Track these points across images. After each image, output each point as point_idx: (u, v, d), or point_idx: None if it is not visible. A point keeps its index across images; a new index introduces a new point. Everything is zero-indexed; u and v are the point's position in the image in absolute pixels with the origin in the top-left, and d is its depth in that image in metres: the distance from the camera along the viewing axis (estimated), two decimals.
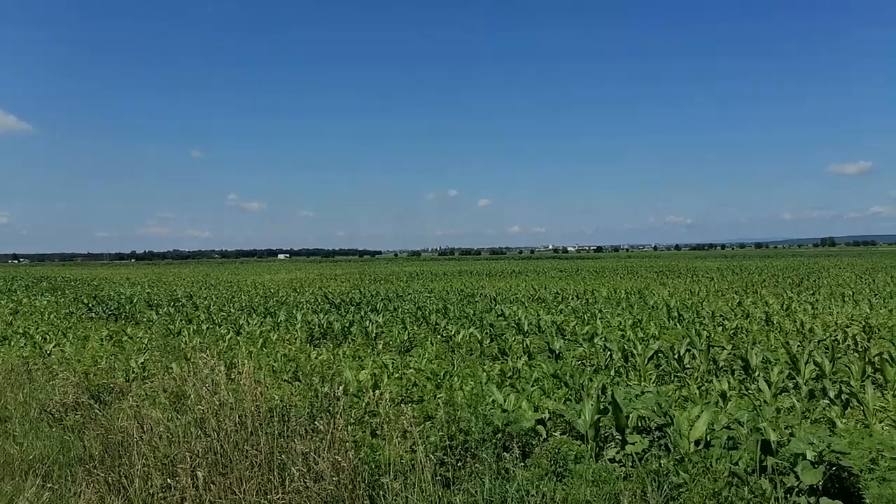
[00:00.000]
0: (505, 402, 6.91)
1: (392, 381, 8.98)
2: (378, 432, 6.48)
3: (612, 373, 10.03)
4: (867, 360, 9.74)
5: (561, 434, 6.55)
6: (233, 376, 6.99)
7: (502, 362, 11.21)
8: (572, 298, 24.99)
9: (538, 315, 18.16)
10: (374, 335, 14.53)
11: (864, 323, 15.22)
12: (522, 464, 5.28)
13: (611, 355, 11.18)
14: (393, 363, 10.46)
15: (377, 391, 7.83)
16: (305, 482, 4.50)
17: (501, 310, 20.00)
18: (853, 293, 24.42)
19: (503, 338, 13.95)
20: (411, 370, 10.00)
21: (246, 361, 7.21)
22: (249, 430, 5.52)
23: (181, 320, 18.33)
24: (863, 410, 7.47)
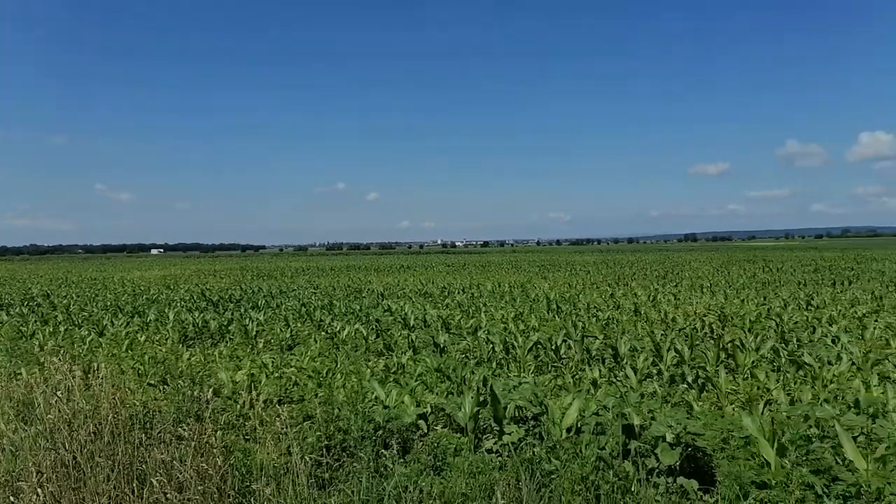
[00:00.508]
0: (387, 397, 6.85)
1: (271, 381, 8.64)
2: (252, 436, 6.20)
3: (494, 365, 10.27)
4: (721, 346, 10.65)
5: (443, 428, 6.59)
6: (90, 382, 6.43)
7: (387, 358, 11.15)
8: (458, 293, 25.40)
9: (425, 310, 18.28)
10: (254, 333, 13.95)
11: (719, 312, 16.65)
12: (402, 460, 5.25)
13: (493, 348, 11.44)
14: (273, 362, 10.08)
15: (254, 392, 7.50)
16: (166, 493, 4.19)
17: (388, 305, 19.93)
18: (711, 285, 26.70)
19: (389, 333, 13.88)
20: (292, 369, 9.68)
21: (104, 365, 6.64)
22: (106, 439, 5.08)
23: (35, 321, 16.65)
24: (717, 393, 8.14)
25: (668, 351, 10.03)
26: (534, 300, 21.42)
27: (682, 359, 9.89)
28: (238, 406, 7.10)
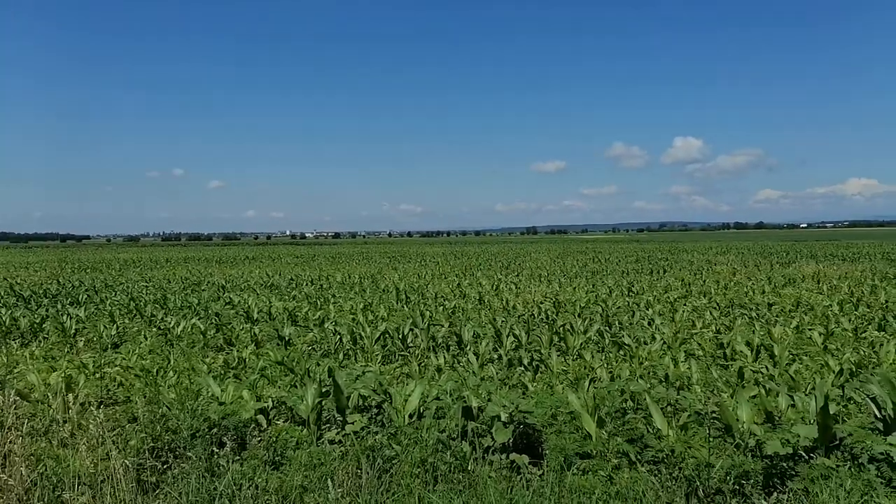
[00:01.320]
0: (223, 393, 6.51)
1: (91, 383, 7.85)
2: (68, 442, 5.59)
3: (341, 356, 10.17)
4: (554, 330, 11.41)
5: (285, 422, 6.40)
6: None
7: (227, 353, 10.61)
8: (307, 284, 24.82)
9: (270, 302, 17.63)
10: (72, 332, 12.59)
11: (554, 299, 17.83)
12: (238, 457, 5.02)
13: (340, 339, 11.32)
14: (94, 362, 9.17)
15: (70, 395, 6.76)
16: None
17: (230, 297, 18.96)
18: (548, 274, 28.51)
19: (230, 327, 13.20)
20: (116, 368, 8.87)
21: None
22: None
23: None
24: (549, 374, 8.70)
25: (507, 336, 10.55)
26: (384, 291, 21.51)
27: (520, 343, 10.46)
28: (51, 410, 6.37)
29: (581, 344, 10.46)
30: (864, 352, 9.80)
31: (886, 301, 16.13)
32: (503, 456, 4.83)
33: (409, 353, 10.64)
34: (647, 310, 14.97)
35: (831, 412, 5.82)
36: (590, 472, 4.49)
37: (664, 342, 10.50)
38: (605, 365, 9.00)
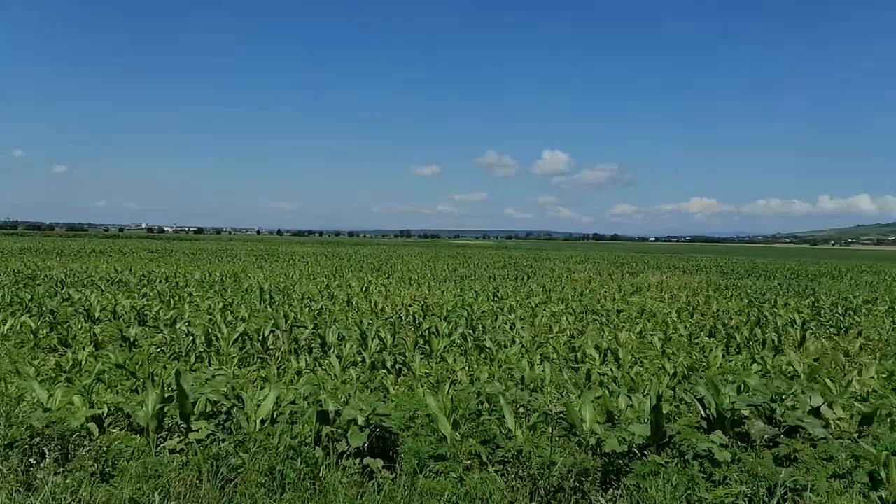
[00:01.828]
0: (50, 399, 5.87)
1: None
2: None
3: (193, 359, 9.57)
4: (420, 333, 11.49)
5: (122, 430, 5.89)
6: None
7: (61, 355, 9.61)
8: (160, 281, 23.16)
9: (116, 300, 16.23)
10: None
11: (422, 302, 18.00)
12: (62, 469, 4.52)
13: (193, 340, 10.64)
14: None
15: None
16: None
17: (69, 294, 17.23)
18: (418, 277, 28.77)
19: (66, 326, 11.97)
20: None
21: None
22: None
23: None
24: (412, 376, 8.74)
25: (373, 339, 10.47)
26: (247, 290, 20.58)
27: (385, 346, 10.41)
28: None
29: (445, 347, 10.61)
30: (696, 356, 10.80)
31: (717, 310, 17.95)
32: (357, 461, 4.75)
33: (268, 355, 10.23)
34: (510, 314, 15.53)
35: (664, 412, 6.32)
36: (442, 475, 4.53)
37: (523, 346, 10.93)
38: (467, 368, 9.19)
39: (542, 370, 8.58)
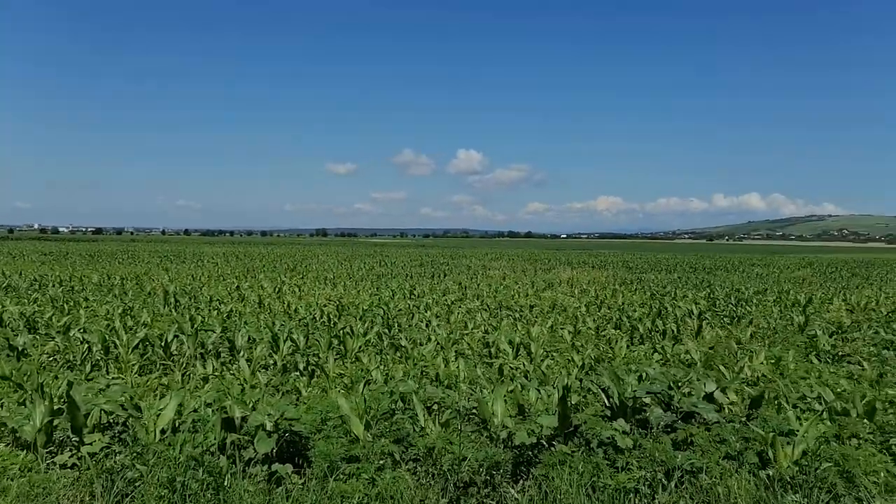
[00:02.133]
0: None
1: None
2: None
3: (89, 367, 8.98)
4: (334, 334, 11.31)
5: (7, 446, 5.43)
6: None
7: None
8: (54, 286, 21.58)
9: (3, 306, 14.97)
10: None
11: (338, 302, 17.74)
12: None
13: (89, 348, 9.98)
14: None
15: None
16: None
17: None
18: (334, 277, 28.34)
19: None
20: None
21: None
22: None
23: None
24: (325, 378, 8.58)
25: (285, 341, 10.20)
26: (150, 294, 19.54)
27: (298, 348, 10.17)
28: None
29: (360, 347, 10.50)
30: (603, 348, 11.24)
31: (623, 303, 18.77)
32: (265, 467, 4.61)
33: (172, 362, 9.75)
34: (426, 312, 15.58)
35: (574, 402, 6.53)
36: (353, 476, 4.47)
37: (438, 343, 10.99)
38: (382, 367, 9.13)
39: (457, 367, 8.66)
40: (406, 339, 11.09)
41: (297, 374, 8.62)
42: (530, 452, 4.93)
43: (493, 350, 10.61)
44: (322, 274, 30.70)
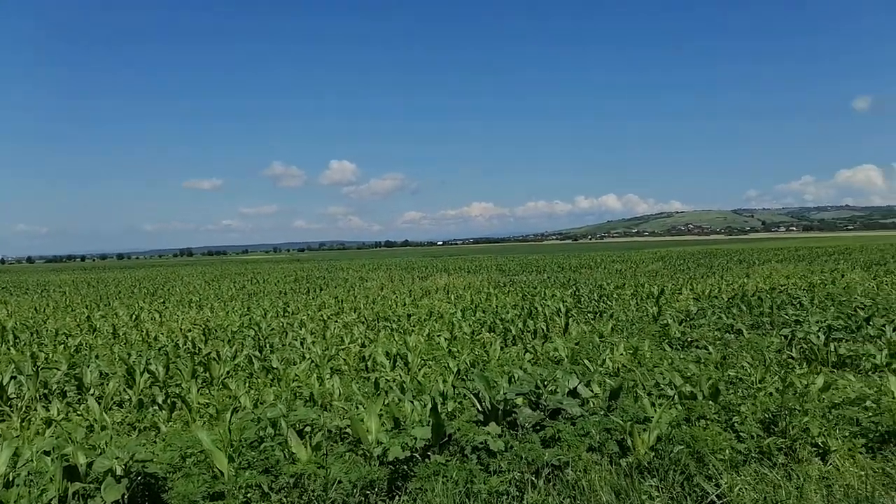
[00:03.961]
0: None
1: None
2: None
3: None
4: (198, 361, 10.64)
5: None
6: None
7: None
8: None
9: None
10: None
11: (204, 326, 16.74)
12: None
13: None
14: None
15: None
16: None
17: None
18: (200, 299, 26.75)
19: None
20: None
21: None
22: None
23: None
24: (188, 410, 8.01)
25: (141, 374, 9.43)
26: None
27: (157, 379, 9.45)
28: None
29: (227, 372, 9.95)
30: (478, 352, 11.46)
31: (496, 306, 19.31)
32: None
33: (10, 406, 8.68)
34: (301, 329, 15.11)
35: (450, 409, 6.58)
36: None
37: (313, 361, 10.67)
38: (252, 392, 8.71)
39: (332, 384, 8.44)
40: (278, 359, 10.67)
41: (156, 408, 7.98)
42: (405, 466, 4.87)
43: (369, 363, 10.47)
44: (186, 296, 28.90)
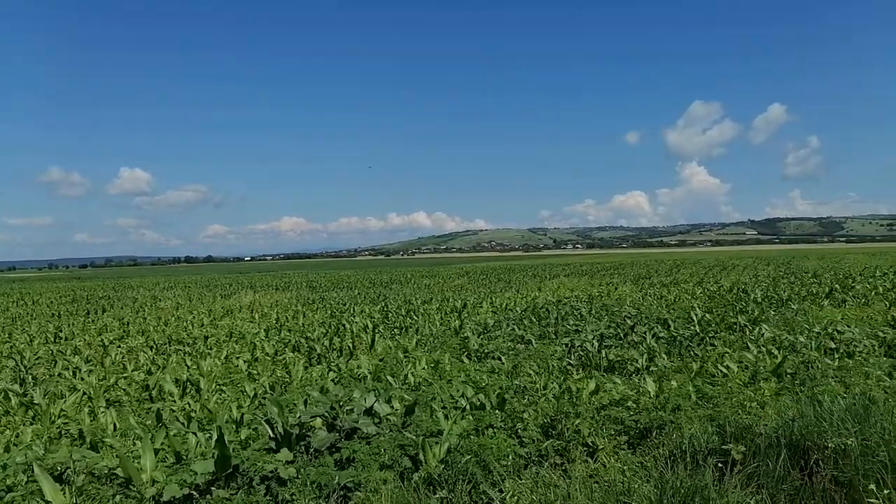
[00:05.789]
0: None
1: None
2: None
3: None
4: None
5: None
6: None
7: None
8: None
9: None
10: None
11: None
12: None
13: None
14: None
15: None
16: None
17: None
18: None
19: None
20: None
21: None
22: None
23: None
24: None
25: None
26: None
27: None
28: None
29: None
30: (279, 373, 11.02)
31: (304, 324, 18.81)
32: None
33: None
34: (74, 357, 13.36)
35: (243, 438, 6.21)
36: None
37: (86, 393, 9.47)
38: (7, 432, 7.48)
39: (107, 418, 7.54)
40: (42, 392, 9.30)
41: None
42: None
43: (154, 393, 9.55)
44: None
